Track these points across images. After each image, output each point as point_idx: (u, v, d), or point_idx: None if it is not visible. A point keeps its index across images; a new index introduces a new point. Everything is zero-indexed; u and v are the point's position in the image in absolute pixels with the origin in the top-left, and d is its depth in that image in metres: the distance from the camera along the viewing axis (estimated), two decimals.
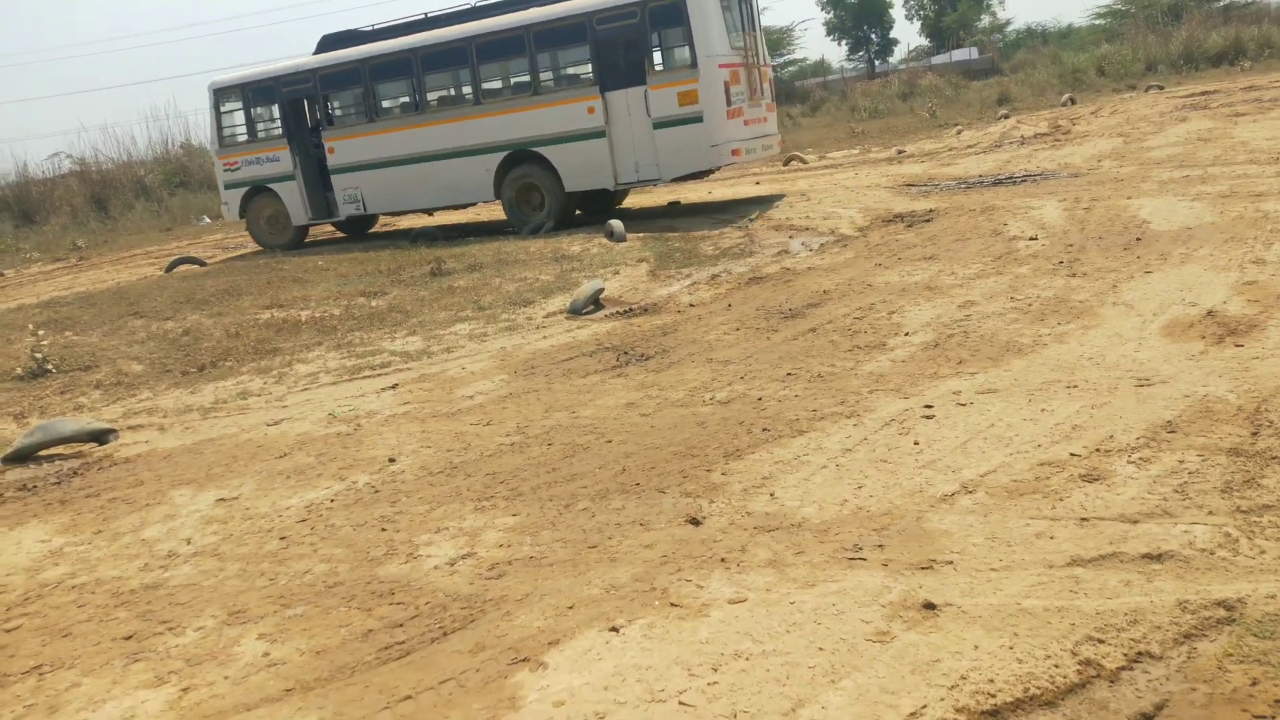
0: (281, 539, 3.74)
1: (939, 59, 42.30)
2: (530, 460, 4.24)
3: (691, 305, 7.18)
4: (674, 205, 13.72)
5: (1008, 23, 52.21)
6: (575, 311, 7.28)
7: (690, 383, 5.12)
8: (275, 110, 14.49)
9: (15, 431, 5.89)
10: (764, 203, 12.00)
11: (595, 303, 7.40)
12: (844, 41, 52.93)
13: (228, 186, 14.98)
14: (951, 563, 2.90)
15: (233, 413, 5.78)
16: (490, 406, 5.19)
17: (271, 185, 14.39)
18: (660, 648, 2.63)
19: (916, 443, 3.87)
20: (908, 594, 2.74)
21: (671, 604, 2.85)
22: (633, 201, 14.68)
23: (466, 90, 13.25)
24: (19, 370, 7.44)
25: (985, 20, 48.93)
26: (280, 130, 14.37)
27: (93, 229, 22.30)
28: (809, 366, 5.15)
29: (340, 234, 15.87)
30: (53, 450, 5.33)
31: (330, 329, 7.74)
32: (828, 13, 51.82)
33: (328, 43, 14.25)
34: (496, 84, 13.18)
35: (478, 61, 12.68)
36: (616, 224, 10.84)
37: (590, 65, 12.13)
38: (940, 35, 48.01)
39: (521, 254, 10.36)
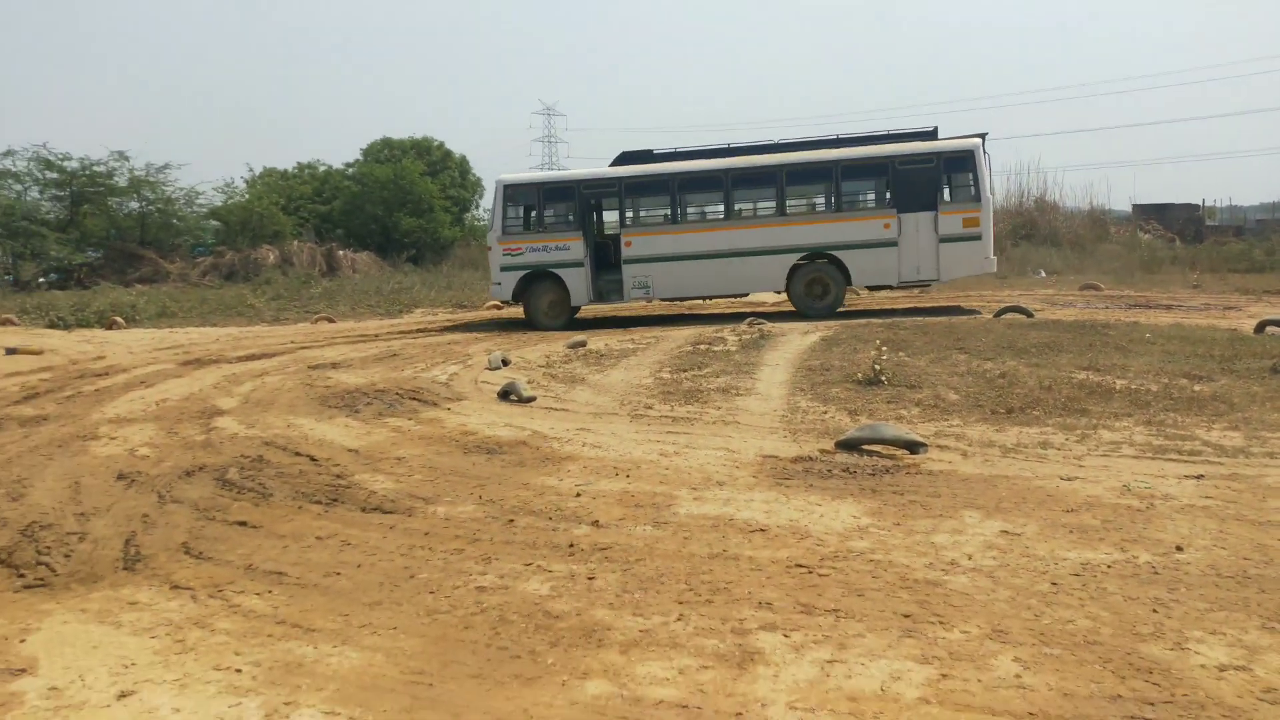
0: (1053, 584, 3.99)
1: None
2: None
3: None
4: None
5: None
6: None
7: None
8: (573, 207, 16.96)
9: (848, 424, 7.18)
10: None
11: None
12: None
13: (505, 269, 16.97)
14: None
15: (1030, 459, 6.14)
16: None
17: (555, 270, 16.66)
18: None
19: None
20: None
21: None
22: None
23: (767, 204, 16.63)
24: (859, 376, 8.94)
25: None
26: (575, 222, 16.78)
27: None
28: None
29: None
30: (873, 447, 6.36)
31: (1144, 404, 7.57)
32: None
33: (626, 158, 17.17)
34: (797, 201, 16.83)
35: (785, 183, 16.31)
36: None
37: (889, 193, 15.90)
38: None
39: None
